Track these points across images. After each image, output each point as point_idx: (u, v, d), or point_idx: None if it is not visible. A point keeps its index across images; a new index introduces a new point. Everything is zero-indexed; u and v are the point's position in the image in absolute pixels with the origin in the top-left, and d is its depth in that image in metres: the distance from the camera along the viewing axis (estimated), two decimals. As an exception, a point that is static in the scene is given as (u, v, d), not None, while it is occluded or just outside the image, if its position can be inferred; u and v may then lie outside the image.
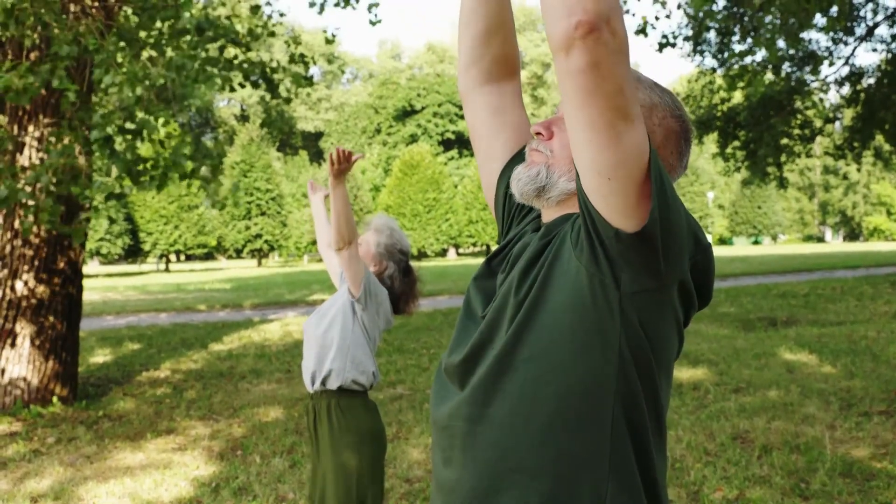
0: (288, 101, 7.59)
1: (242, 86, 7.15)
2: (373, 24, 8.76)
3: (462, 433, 1.19)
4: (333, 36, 8.23)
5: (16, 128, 6.53)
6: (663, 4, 9.63)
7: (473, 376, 1.20)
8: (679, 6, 11.23)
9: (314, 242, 50.01)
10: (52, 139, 6.03)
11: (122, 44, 6.03)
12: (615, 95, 1.00)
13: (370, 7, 8.72)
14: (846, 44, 15.31)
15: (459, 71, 1.39)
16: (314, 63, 7.72)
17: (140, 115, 6.15)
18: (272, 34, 7.47)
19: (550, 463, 1.13)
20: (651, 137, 1.20)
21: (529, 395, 1.14)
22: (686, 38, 14.82)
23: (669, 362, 1.19)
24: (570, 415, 1.12)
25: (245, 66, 7.07)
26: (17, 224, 6.45)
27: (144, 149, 6.58)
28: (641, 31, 9.15)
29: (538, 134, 1.25)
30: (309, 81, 7.42)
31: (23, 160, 6.41)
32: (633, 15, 9.32)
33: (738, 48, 13.89)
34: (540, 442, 1.13)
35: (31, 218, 5.93)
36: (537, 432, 1.13)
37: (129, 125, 6.40)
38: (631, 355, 1.12)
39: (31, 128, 6.51)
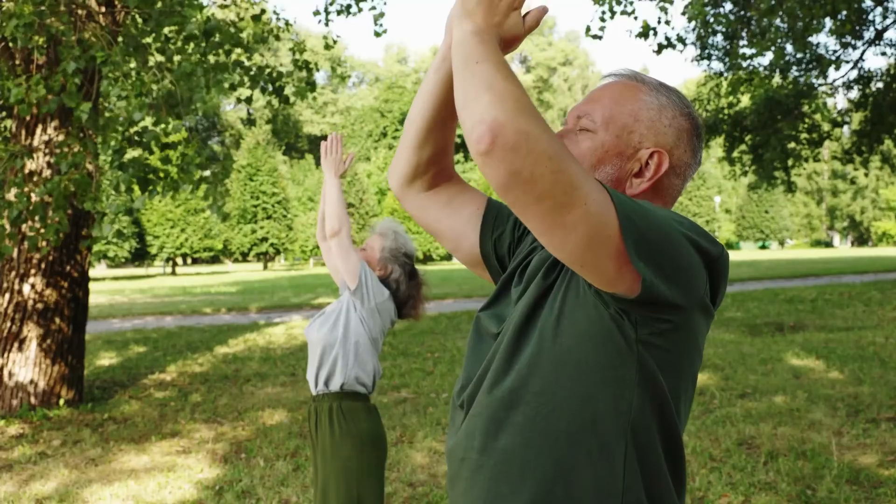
0: (290, 101, 7.62)
1: (249, 100, 7.19)
2: (378, 35, 8.78)
3: (473, 465, 1.17)
4: (334, 41, 8.26)
5: (24, 132, 6.56)
6: (664, 10, 9.62)
7: (481, 405, 1.18)
8: (683, 12, 11.23)
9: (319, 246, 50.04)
10: (64, 149, 6.06)
11: (129, 54, 6.06)
12: (550, 193, 0.96)
13: (376, 19, 8.74)
14: (854, 47, 15.25)
15: (398, 182, 1.37)
16: (318, 70, 7.75)
17: (149, 121, 6.19)
18: (277, 38, 7.50)
19: (561, 498, 1.10)
20: (663, 139, 1.20)
21: (540, 430, 1.11)
22: (692, 43, 14.80)
23: (689, 385, 1.17)
24: (581, 450, 1.10)
25: (252, 72, 7.11)
26: (24, 228, 6.47)
27: (153, 158, 6.63)
28: (643, 34, 9.15)
29: None
30: (312, 87, 7.45)
31: (31, 164, 6.43)
32: (636, 18, 9.31)
33: (745, 52, 13.84)
34: (551, 477, 1.11)
35: (41, 232, 5.96)
36: (548, 467, 1.11)
37: (136, 137, 6.45)
38: (646, 390, 1.10)
39: (38, 131, 6.54)
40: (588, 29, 9.10)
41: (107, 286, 29.54)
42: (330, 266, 2.92)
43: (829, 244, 70.23)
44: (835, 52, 15.18)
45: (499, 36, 1.11)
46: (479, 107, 0.96)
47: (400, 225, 2.93)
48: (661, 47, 10.20)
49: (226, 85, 6.41)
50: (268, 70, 7.31)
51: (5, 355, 6.56)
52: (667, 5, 9.58)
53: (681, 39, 10.77)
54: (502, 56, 1.06)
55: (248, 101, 7.12)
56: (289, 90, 7.64)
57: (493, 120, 0.94)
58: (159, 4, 6.24)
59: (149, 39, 6.68)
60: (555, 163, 0.95)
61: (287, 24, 8.42)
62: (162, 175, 6.53)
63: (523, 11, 1.14)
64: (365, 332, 2.75)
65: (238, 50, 7.12)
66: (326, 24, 8.62)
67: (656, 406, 1.11)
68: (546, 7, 1.18)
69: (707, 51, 15.12)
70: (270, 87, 7.29)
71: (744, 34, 14.11)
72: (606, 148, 1.19)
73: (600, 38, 9.15)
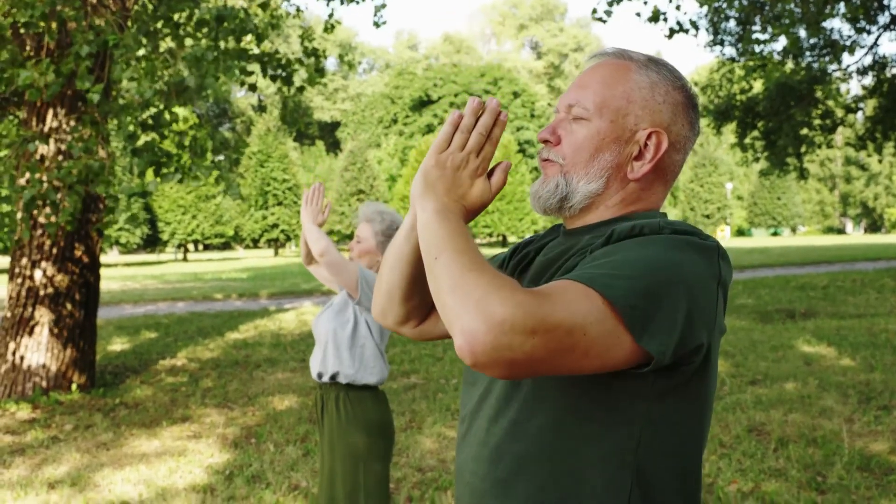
0: (301, 89, 7.61)
1: (254, 87, 7.18)
2: (377, 25, 8.74)
3: (476, 491, 1.16)
4: (332, 26, 8.25)
5: (35, 119, 6.58)
6: None
7: (484, 431, 1.16)
8: (695, -3, 11.13)
9: (331, 232, 50.22)
10: (75, 134, 6.07)
11: (142, 39, 6.06)
12: (550, 354, 0.93)
13: (377, 10, 8.71)
14: (869, 32, 15.06)
15: (391, 325, 1.34)
16: (325, 58, 7.73)
17: (160, 106, 6.20)
18: (278, 23, 7.47)
19: None
20: (658, 117, 1.16)
21: (544, 463, 1.09)
22: (704, 28, 14.66)
23: (707, 410, 1.13)
24: (585, 487, 1.07)
25: (264, 58, 7.10)
26: (35, 213, 6.50)
27: (167, 143, 6.64)
28: (653, 19, 9.08)
29: (545, 141, 1.20)
30: (321, 73, 7.43)
31: (42, 150, 6.46)
32: (646, 3, 9.21)
33: (758, 37, 13.70)
34: None
35: (52, 218, 5.98)
36: (551, 502, 1.09)
37: (149, 121, 6.46)
38: (657, 427, 1.07)
39: (49, 117, 6.55)
40: (594, 11, 9.03)
41: (119, 272, 29.71)
42: (322, 280, 2.92)
43: (841, 231, 69.77)
44: (849, 37, 15.00)
45: (464, 208, 1.10)
46: (448, 313, 0.95)
47: (380, 204, 2.92)
48: (672, 32, 10.12)
49: (237, 72, 6.40)
50: (277, 56, 7.30)
51: (17, 340, 6.61)
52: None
53: (693, 24, 10.68)
54: (464, 235, 1.04)
55: (253, 88, 7.11)
56: (298, 78, 7.63)
57: (462, 330, 0.92)
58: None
59: (158, 24, 6.67)
60: (539, 331, 0.92)
61: (298, 10, 8.40)
62: (175, 160, 6.54)
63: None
64: (372, 336, 2.74)
65: (248, 37, 7.10)
66: (328, 6, 8.58)
67: (667, 442, 1.08)
68: (510, 162, 1.15)
69: (720, 36, 14.98)
70: (282, 73, 7.28)
71: (757, 19, 13.96)
72: (603, 135, 1.16)
73: (605, 21, 9.07)
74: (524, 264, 1.29)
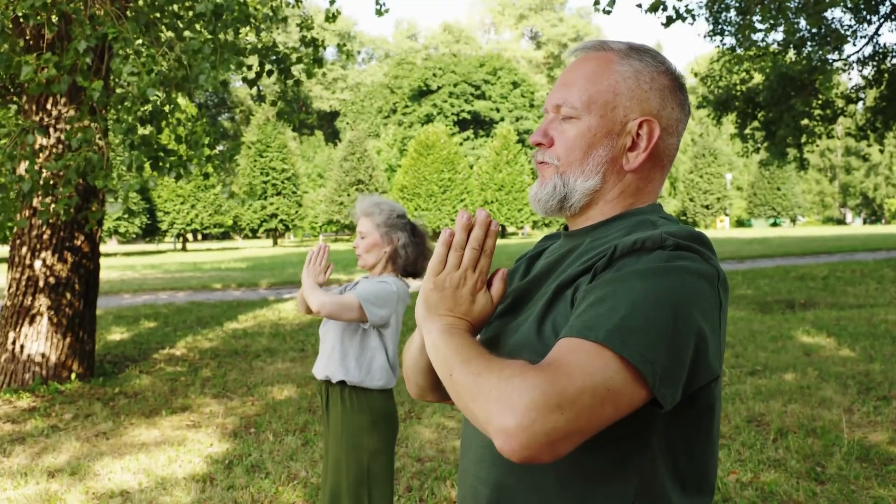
0: (299, 83, 7.58)
1: (254, 82, 7.15)
2: (379, 13, 8.69)
3: (479, 494, 1.16)
4: (334, 15, 8.20)
5: (35, 108, 6.55)
6: None
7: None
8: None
9: (330, 222, 50.23)
10: (75, 125, 6.05)
11: (140, 30, 6.02)
12: (586, 420, 0.92)
13: None
14: (870, 22, 15.01)
15: (433, 400, 1.35)
16: (324, 48, 7.70)
17: (159, 95, 6.17)
18: (284, 20, 7.43)
19: None
20: (647, 105, 1.15)
21: (548, 473, 1.08)
22: (705, 18, 14.61)
23: (714, 423, 1.12)
24: (588, 500, 1.07)
25: (261, 50, 7.07)
26: (35, 202, 6.49)
27: (164, 136, 6.62)
28: (653, 9, 9.02)
29: (538, 144, 1.20)
30: (319, 63, 7.40)
31: (42, 140, 6.43)
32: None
33: (758, 27, 13.65)
34: None
35: (51, 207, 5.96)
36: None
37: (148, 116, 6.45)
38: (663, 443, 1.06)
39: (49, 106, 6.52)
40: (597, 2, 8.97)
41: (118, 262, 29.70)
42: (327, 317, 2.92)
43: (841, 221, 69.81)
44: (849, 26, 14.95)
45: (469, 323, 1.10)
46: (479, 420, 0.95)
47: (375, 196, 2.90)
48: (669, 20, 10.06)
49: (232, 66, 6.38)
50: (275, 49, 7.27)
51: (17, 329, 6.60)
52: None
53: (689, 12, 10.64)
54: (470, 345, 1.03)
55: (253, 83, 7.07)
56: (296, 69, 7.59)
57: (496, 432, 0.91)
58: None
59: (157, 14, 6.63)
60: (564, 404, 0.91)
61: (297, 1, 8.36)
62: (171, 156, 6.53)
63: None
64: (385, 349, 2.73)
65: (246, 28, 7.07)
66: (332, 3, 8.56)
67: (673, 458, 1.07)
68: (506, 269, 1.15)
69: (720, 26, 14.92)
70: (279, 66, 7.25)
71: (757, 10, 13.90)
72: (594, 131, 1.15)
73: (609, 12, 9.00)
74: (523, 270, 1.29)
